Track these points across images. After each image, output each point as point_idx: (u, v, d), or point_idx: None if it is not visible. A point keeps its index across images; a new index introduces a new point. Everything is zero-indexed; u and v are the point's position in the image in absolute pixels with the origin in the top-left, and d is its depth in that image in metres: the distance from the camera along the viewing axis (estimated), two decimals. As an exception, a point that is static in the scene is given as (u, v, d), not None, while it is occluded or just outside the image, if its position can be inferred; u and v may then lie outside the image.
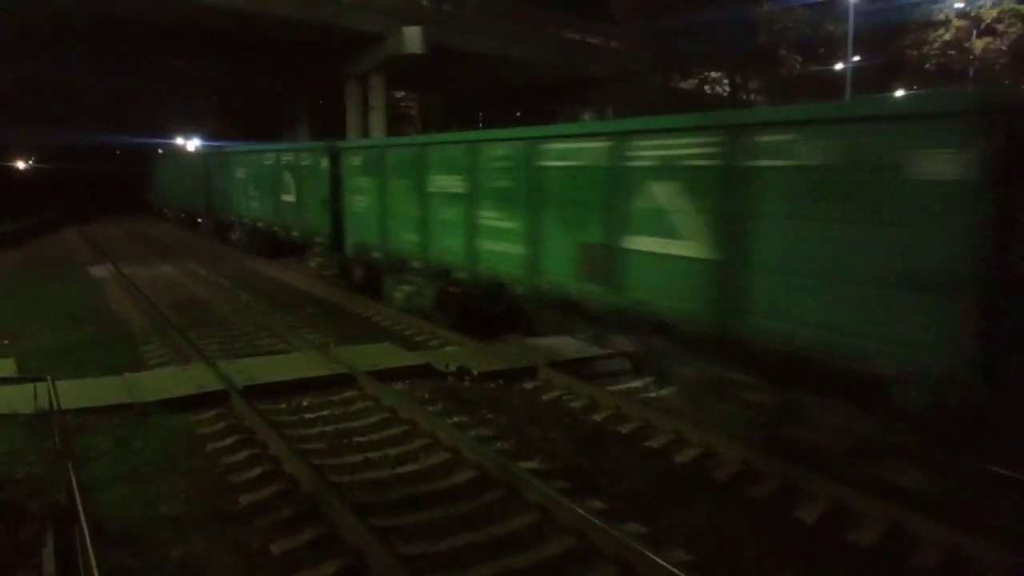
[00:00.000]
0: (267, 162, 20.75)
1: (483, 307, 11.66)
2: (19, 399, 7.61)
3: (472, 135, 12.03)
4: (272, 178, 20.20)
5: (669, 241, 7.78)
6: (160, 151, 40.80)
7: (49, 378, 7.15)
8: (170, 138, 43.56)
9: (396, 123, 50.35)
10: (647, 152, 8.09)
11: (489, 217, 10.80)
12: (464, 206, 11.27)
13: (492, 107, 56.18)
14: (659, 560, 4.76)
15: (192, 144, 42.32)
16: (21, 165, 49.94)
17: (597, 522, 5.29)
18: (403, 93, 58.08)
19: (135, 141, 42.81)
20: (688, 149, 7.62)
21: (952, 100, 6.19)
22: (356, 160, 15.07)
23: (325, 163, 16.25)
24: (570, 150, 9.35)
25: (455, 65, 40.76)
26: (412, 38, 34.50)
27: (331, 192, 15.93)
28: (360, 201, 14.77)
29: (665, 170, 7.83)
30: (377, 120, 38.02)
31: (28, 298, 14.87)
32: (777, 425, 6.82)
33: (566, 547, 5.26)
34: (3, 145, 44.15)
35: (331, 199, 15.95)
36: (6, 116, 37.86)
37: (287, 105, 46.31)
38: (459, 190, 11.42)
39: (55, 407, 6.55)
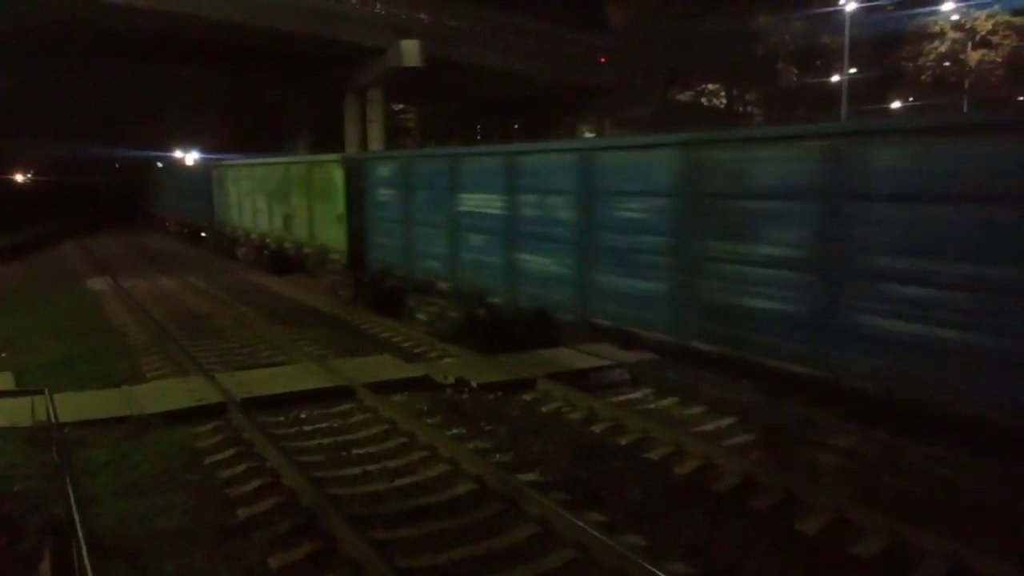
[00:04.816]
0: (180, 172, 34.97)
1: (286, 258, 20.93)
2: (17, 412, 7.59)
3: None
4: (173, 184, 33.75)
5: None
6: (159, 164, 40.92)
7: (46, 391, 7.14)
8: (169, 151, 43.60)
9: (395, 136, 50.44)
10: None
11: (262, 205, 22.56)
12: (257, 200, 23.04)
13: (490, 118, 56.41)
14: (659, 573, 4.74)
15: (191, 157, 42.39)
16: (20, 178, 49.91)
17: (597, 534, 5.28)
18: (402, 106, 58.29)
19: (133, 154, 42.90)
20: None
21: (334, 155, 19.22)
22: (231, 174, 25.41)
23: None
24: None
25: (453, 77, 40.95)
26: (410, 51, 34.67)
27: (210, 194, 27.06)
28: (231, 199, 25.42)
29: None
30: (376, 133, 38.12)
31: (26, 311, 14.86)
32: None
33: (566, 559, 5.24)
34: (2, 158, 44.17)
35: (210, 199, 26.97)
36: (5, 126, 37.90)
37: (287, 117, 46.43)
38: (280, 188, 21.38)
39: (52, 420, 6.53)
